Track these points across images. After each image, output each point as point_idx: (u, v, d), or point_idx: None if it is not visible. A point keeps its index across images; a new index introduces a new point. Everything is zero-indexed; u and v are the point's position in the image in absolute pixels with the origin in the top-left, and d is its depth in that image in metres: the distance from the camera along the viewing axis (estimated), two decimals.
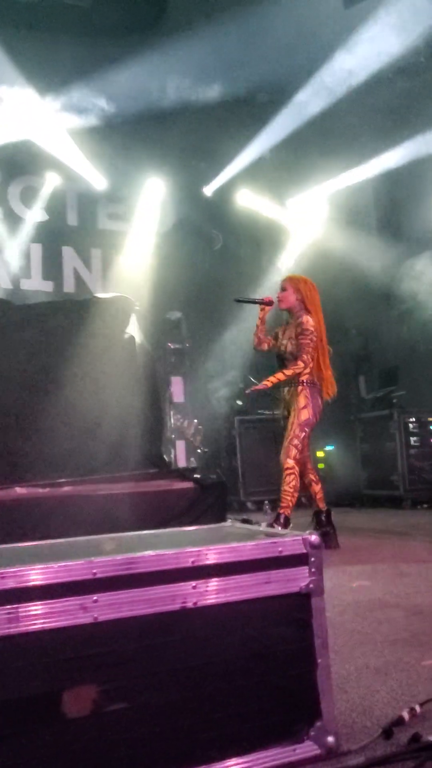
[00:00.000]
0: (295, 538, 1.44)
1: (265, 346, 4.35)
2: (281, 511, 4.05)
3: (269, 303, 4.28)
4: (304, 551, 1.44)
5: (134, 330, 5.52)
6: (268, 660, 1.38)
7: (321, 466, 7.37)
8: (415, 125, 6.77)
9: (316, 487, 4.28)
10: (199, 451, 6.33)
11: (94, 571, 1.25)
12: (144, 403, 5.33)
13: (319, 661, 1.41)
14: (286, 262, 7.88)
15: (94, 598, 1.25)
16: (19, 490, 4.39)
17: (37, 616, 1.21)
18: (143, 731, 1.26)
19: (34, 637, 1.20)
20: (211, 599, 1.34)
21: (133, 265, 7.45)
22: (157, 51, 6.40)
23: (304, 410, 4.11)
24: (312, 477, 4.29)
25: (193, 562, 1.32)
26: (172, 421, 6.17)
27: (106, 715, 1.23)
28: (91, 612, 1.24)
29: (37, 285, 7.09)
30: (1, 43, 6.35)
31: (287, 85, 6.61)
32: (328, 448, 7.39)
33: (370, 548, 4.27)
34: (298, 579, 1.42)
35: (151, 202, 7.84)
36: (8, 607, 1.19)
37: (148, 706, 1.27)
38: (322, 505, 4.29)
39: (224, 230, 7.98)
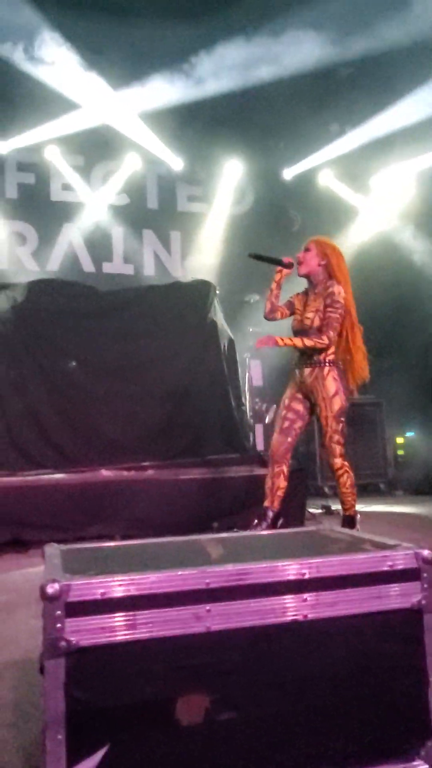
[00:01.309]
0: (407, 552, 1.40)
1: (279, 315, 3.71)
2: (347, 513, 3.66)
3: (289, 265, 3.64)
4: (416, 566, 1.39)
5: (215, 314, 5.53)
6: (377, 676, 1.35)
7: (401, 452, 7.20)
8: None
9: (283, 484, 3.68)
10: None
11: (208, 581, 1.26)
12: (225, 388, 5.35)
13: (431, 679, 1.37)
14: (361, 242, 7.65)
15: (207, 607, 1.25)
16: (105, 473, 4.52)
17: (153, 623, 1.22)
18: (251, 742, 1.26)
19: (150, 643, 1.22)
20: (321, 612, 1.31)
21: (212, 247, 7.42)
22: (239, 31, 6.27)
23: (336, 398, 3.53)
24: (285, 470, 3.68)
25: (304, 574, 1.30)
26: (251, 405, 6.15)
27: (217, 724, 1.24)
28: (204, 621, 1.25)
29: (118, 268, 7.19)
30: (82, 27, 6.38)
31: (379, 62, 6.31)
32: (409, 434, 7.19)
33: None
34: (410, 594, 1.38)
35: (229, 184, 7.77)
36: (125, 613, 1.21)
37: (257, 716, 1.27)
38: (277, 505, 3.68)
39: (303, 211, 7.81)
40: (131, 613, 1.21)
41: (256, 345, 3.61)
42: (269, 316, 3.74)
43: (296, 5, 5.91)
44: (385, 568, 1.37)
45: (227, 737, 1.25)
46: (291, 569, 1.30)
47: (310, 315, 3.60)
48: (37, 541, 4.00)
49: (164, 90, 6.60)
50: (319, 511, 5.31)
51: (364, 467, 6.88)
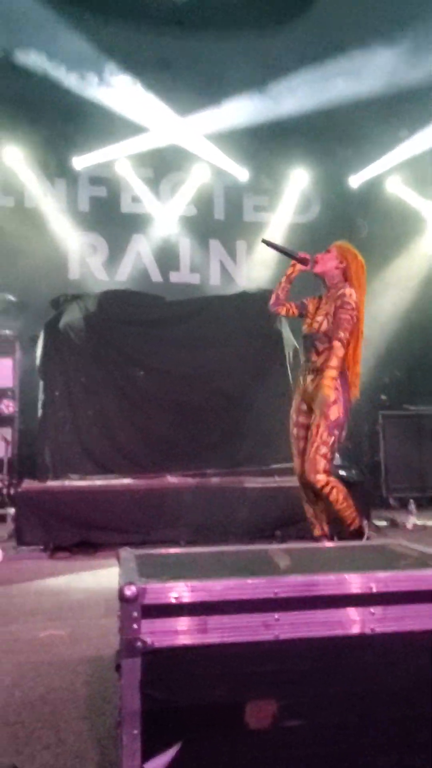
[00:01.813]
0: None
1: (284, 310, 3.47)
2: (351, 527, 3.24)
3: (303, 260, 3.39)
4: None
5: (281, 323, 5.56)
6: None
7: None
8: None
9: (323, 505, 3.34)
10: (342, 446, 6.25)
11: (276, 590, 1.30)
12: (290, 397, 5.36)
13: None
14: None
15: (276, 616, 1.29)
16: (170, 479, 4.62)
17: (223, 629, 1.27)
18: (316, 750, 1.29)
19: (220, 648, 1.27)
20: (389, 627, 1.33)
21: (277, 257, 7.44)
22: (304, 42, 6.30)
23: (333, 407, 3.17)
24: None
25: (373, 588, 1.32)
26: None
27: (283, 731, 1.28)
28: (273, 630, 1.29)
29: (185, 278, 7.33)
30: (154, 45, 6.58)
31: None
32: None
33: None
34: None
35: (295, 192, 7.78)
36: (198, 617, 1.27)
37: (322, 726, 1.30)
38: (327, 529, 3.37)
39: (371, 219, 7.73)
40: (203, 617, 1.27)
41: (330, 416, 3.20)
42: (273, 308, 3.51)
43: (371, 19, 5.89)
44: None
45: (293, 744, 1.28)
46: (359, 582, 1.33)
47: (319, 318, 3.36)
48: (105, 544, 4.15)
49: (233, 113, 6.73)
50: (384, 524, 5.24)
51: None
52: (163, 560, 1.61)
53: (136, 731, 1.21)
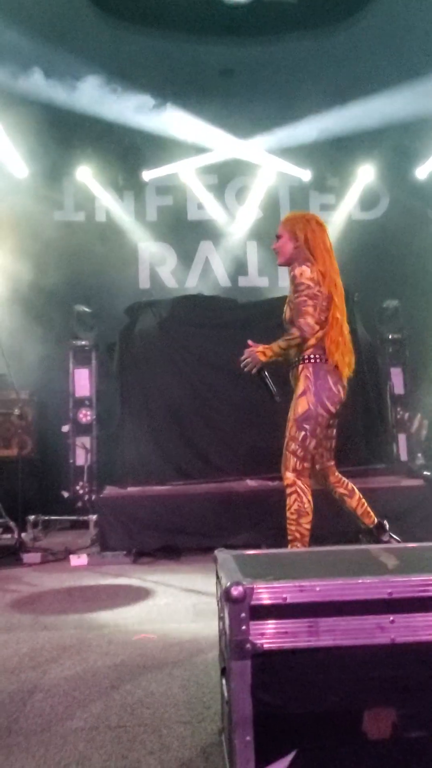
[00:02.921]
0: None
1: (317, 332, 2.97)
2: (290, 545, 2.94)
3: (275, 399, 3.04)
4: None
5: (354, 321, 5.42)
6: None
7: None
8: None
9: (353, 501, 3.13)
10: (424, 446, 6.03)
11: (390, 590, 1.22)
12: (368, 397, 5.22)
13: None
14: None
15: (391, 618, 1.22)
16: (250, 483, 4.57)
17: (335, 631, 1.21)
18: None
19: (333, 651, 1.21)
20: None
21: (347, 254, 7.29)
22: (362, 37, 6.16)
23: (301, 399, 2.91)
24: (342, 490, 3.15)
25: None
26: (393, 414, 5.94)
27: (405, 742, 1.20)
28: (388, 633, 1.22)
29: (253, 281, 7.28)
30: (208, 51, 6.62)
31: None
32: None
33: None
34: None
35: (361, 188, 7.61)
36: (307, 619, 1.21)
37: None
38: (369, 520, 3.13)
39: None
40: (313, 619, 1.21)
41: (244, 367, 3.05)
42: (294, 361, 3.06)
43: None
44: None
45: (416, 756, 1.20)
46: None
47: (285, 308, 3.09)
48: (187, 548, 4.15)
49: (298, 130, 6.71)
50: None
51: None
52: (264, 560, 1.56)
53: (249, 737, 1.17)
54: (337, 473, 3.20)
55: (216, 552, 1.63)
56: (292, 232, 3.08)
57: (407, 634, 1.21)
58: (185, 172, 7.13)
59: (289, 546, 2.94)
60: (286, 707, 1.20)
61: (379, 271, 6.98)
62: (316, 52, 6.47)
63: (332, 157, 7.43)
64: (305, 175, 7.40)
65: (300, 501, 2.93)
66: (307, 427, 2.92)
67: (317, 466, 3.11)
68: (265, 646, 1.19)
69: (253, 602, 1.20)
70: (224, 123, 6.90)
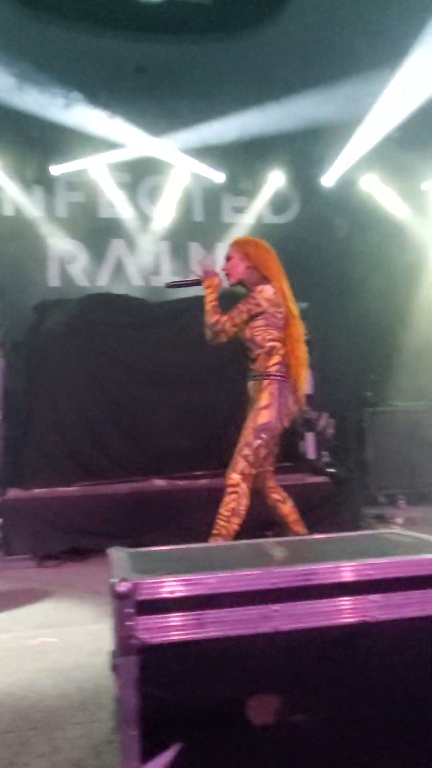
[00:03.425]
0: None
1: (224, 337, 3.18)
2: (211, 539, 3.07)
3: (197, 283, 3.24)
4: None
5: None
6: None
7: None
8: None
9: (285, 508, 3.25)
10: (330, 444, 6.24)
11: (273, 580, 1.26)
12: None
13: None
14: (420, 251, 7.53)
15: (275, 608, 1.25)
16: (158, 483, 4.57)
17: (221, 622, 1.23)
18: (324, 745, 1.25)
19: (218, 643, 1.23)
20: (390, 614, 1.30)
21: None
22: (275, 42, 6.32)
23: (264, 411, 3.06)
24: (276, 496, 3.27)
25: (371, 575, 1.30)
26: (302, 413, 6.11)
27: (289, 726, 1.24)
28: (272, 621, 1.25)
29: (166, 281, 7.28)
30: (123, 47, 6.57)
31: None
32: None
33: None
34: None
35: (272, 193, 7.80)
36: (195, 612, 1.23)
37: (329, 719, 1.26)
38: (299, 529, 3.24)
39: (349, 218, 7.76)
40: (199, 612, 1.23)
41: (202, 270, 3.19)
42: (212, 341, 3.22)
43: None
44: None
45: (300, 739, 1.24)
46: (357, 570, 1.30)
47: (244, 327, 3.19)
48: (94, 550, 4.09)
49: (209, 126, 6.77)
50: (371, 520, 5.24)
51: (419, 475, 6.75)
52: (157, 557, 1.57)
53: (134, 732, 1.17)
54: (273, 480, 3.32)
55: (111, 550, 1.62)
56: (243, 252, 3.22)
57: (290, 622, 1.26)
58: (97, 168, 7.03)
59: (211, 539, 3.04)
60: (172, 700, 1.21)
61: (289, 274, 7.13)
62: (230, 55, 6.56)
63: (245, 160, 7.57)
64: (219, 177, 7.49)
65: (238, 502, 3.05)
66: (264, 437, 3.07)
67: (258, 470, 3.20)
68: (152, 640, 1.20)
69: (140, 597, 1.21)
70: (138, 120, 6.87)
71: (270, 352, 3.12)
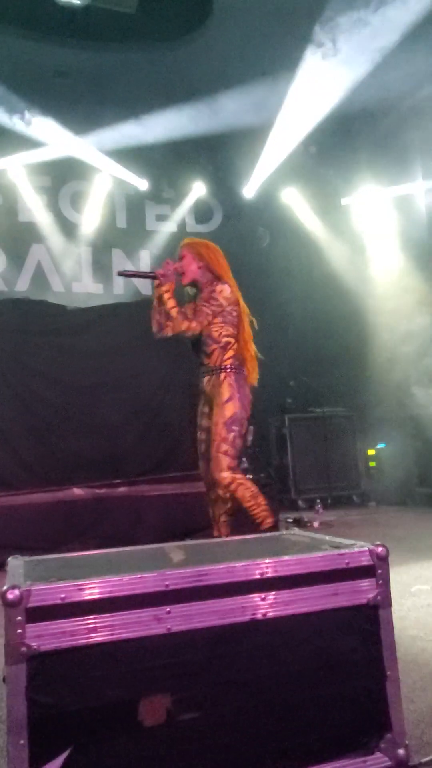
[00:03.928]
0: (362, 550, 1.45)
1: (169, 331, 3.28)
2: (263, 526, 3.18)
3: (155, 276, 3.31)
4: (371, 563, 1.44)
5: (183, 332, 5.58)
6: (336, 672, 1.38)
7: (372, 464, 7.30)
8: None
9: (224, 508, 3.36)
10: (250, 450, 6.35)
11: (167, 582, 1.29)
12: (193, 404, 5.39)
13: (388, 673, 1.41)
14: (337, 263, 7.80)
15: (167, 609, 1.28)
16: (77, 491, 4.51)
17: (114, 626, 1.25)
18: (214, 741, 1.29)
19: (111, 647, 1.24)
20: (279, 611, 1.35)
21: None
22: (198, 53, 6.42)
23: (228, 404, 3.19)
24: (221, 494, 3.33)
25: (262, 574, 1.34)
26: None
27: (180, 724, 1.27)
28: (165, 623, 1.28)
29: (88, 287, 7.22)
30: (43, 51, 6.49)
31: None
32: (380, 446, 7.30)
33: (427, 550, 4.20)
34: (365, 591, 1.42)
35: (196, 202, 7.89)
36: (87, 617, 1.23)
37: (220, 716, 1.30)
38: (225, 532, 3.37)
39: (271, 229, 7.96)
40: (92, 616, 1.24)
41: (162, 274, 3.24)
42: (158, 334, 3.33)
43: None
44: (342, 566, 1.42)
45: (190, 737, 1.27)
46: (249, 569, 1.34)
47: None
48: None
49: (133, 130, 6.77)
50: (290, 522, 5.36)
51: (337, 479, 6.97)
52: (54, 564, 1.56)
53: (22, 741, 1.16)
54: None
55: (9, 559, 1.60)
56: (196, 253, 3.38)
57: (182, 622, 1.29)
58: (15, 169, 6.89)
59: (262, 527, 3.15)
60: (63, 707, 1.21)
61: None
62: (155, 64, 6.62)
63: (168, 168, 7.63)
64: (142, 184, 7.50)
65: (247, 487, 3.19)
66: (235, 428, 3.19)
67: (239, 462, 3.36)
68: (42, 647, 1.20)
69: (30, 605, 1.20)
70: (59, 123, 6.78)
71: (225, 347, 3.28)
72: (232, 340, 3.30)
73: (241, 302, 3.39)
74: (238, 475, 3.21)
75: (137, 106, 6.78)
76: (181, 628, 1.28)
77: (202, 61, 6.40)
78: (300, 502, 6.83)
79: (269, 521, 3.21)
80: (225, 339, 3.29)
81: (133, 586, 1.27)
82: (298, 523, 5.42)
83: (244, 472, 5.43)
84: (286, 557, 1.38)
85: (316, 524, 5.47)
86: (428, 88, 6.92)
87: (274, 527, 3.23)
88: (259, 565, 1.34)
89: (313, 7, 5.80)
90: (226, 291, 3.28)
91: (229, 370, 3.26)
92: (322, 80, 6.19)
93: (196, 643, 1.29)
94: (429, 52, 6.09)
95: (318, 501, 6.51)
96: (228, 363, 3.27)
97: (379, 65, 6.02)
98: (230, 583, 1.32)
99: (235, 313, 3.31)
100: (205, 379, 3.34)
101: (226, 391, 3.22)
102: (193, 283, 3.41)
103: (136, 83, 6.69)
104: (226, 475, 3.16)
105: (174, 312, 3.24)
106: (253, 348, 3.38)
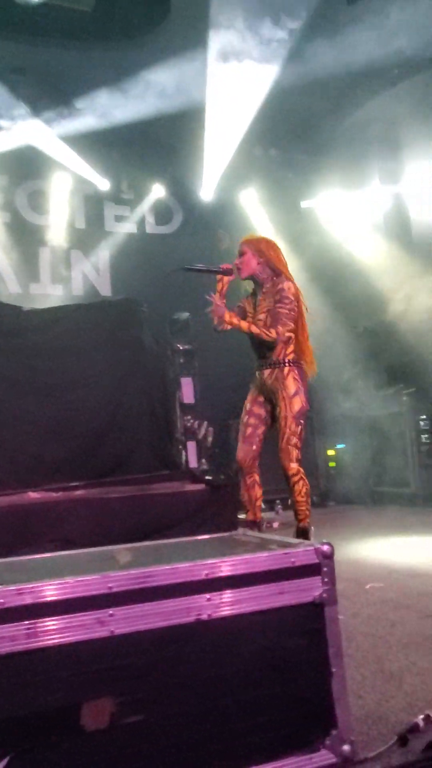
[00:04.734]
0: (308, 549, 1.46)
1: (228, 326, 3.43)
2: (300, 524, 3.42)
3: (227, 272, 3.45)
4: (317, 561, 1.45)
5: (143, 332, 5.55)
6: (282, 670, 1.39)
7: (332, 464, 7.38)
8: None
9: (259, 491, 3.58)
10: (210, 452, 6.35)
11: (110, 585, 1.27)
12: (154, 405, 5.37)
13: (334, 670, 1.42)
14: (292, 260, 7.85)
15: (110, 612, 1.26)
16: (33, 495, 4.43)
17: (54, 630, 1.22)
18: (160, 743, 1.27)
19: (52, 651, 1.22)
20: (225, 611, 1.35)
21: (140, 267, 7.46)
22: (150, 56, 6.42)
23: (296, 398, 3.36)
24: (257, 479, 3.57)
25: (206, 574, 1.34)
26: (183, 422, 6.18)
27: (123, 728, 1.25)
28: (108, 626, 1.26)
29: (46, 289, 7.12)
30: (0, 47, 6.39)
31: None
32: (339, 446, 7.38)
33: (382, 548, 4.27)
34: (311, 589, 1.43)
35: (155, 204, 7.87)
36: (26, 622, 1.21)
37: (165, 718, 1.29)
38: (260, 515, 3.60)
39: (230, 230, 7.98)
40: (32, 621, 1.21)
41: (212, 314, 3.38)
42: (219, 328, 3.46)
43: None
44: (287, 565, 1.43)
45: (134, 740, 1.25)
46: (194, 570, 1.34)
47: (261, 316, 3.45)
48: None
49: (89, 113, 6.69)
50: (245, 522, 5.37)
51: None
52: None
53: None
54: (257, 460, 3.63)
55: None
56: (256, 249, 3.50)
57: (126, 625, 1.27)
58: None
59: (303, 523, 3.40)
60: (3, 713, 1.18)
61: (171, 284, 7.23)
62: (113, 61, 6.58)
63: (128, 169, 7.59)
64: (103, 184, 7.44)
65: (306, 484, 3.40)
66: (302, 421, 3.39)
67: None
68: None
69: None
70: (17, 120, 6.67)
71: (288, 341, 3.44)
72: (293, 335, 3.44)
73: (301, 297, 3.51)
74: (303, 470, 3.38)
75: (95, 104, 6.72)
76: (124, 630, 1.27)
77: (160, 59, 6.39)
78: (261, 503, 6.84)
79: (306, 521, 3.42)
80: (288, 334, 3.42)
81: (75, 589, 1.25)
82: (258, 524, 5.43)
83: (203, 472, 5.45)
84: (231, 557, 1.38)
85: (275, 525, 5.50)
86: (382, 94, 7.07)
87: (308, 530, 3.43)
88: (205, 566, 1.34)
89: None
90: (292, 288, 3.43)
91: (293, 364, 3.43)
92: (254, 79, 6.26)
93: (141, 645, 1.28)
94: None
95: (278, 502, 6.55)
96: (291, 357, 3.43)
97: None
98: (175, 584, 1.31)
99: (296, 309, 3.45)
100: (267, 371, 3.47)
101: (292, 385, 3.38)
102: (252, 278, 3.54)
103: (95, 81, 6.64)
104: (295, 466, 3.34)
105: (254, 329, 3.36)
106: (308, 342, 3.54)
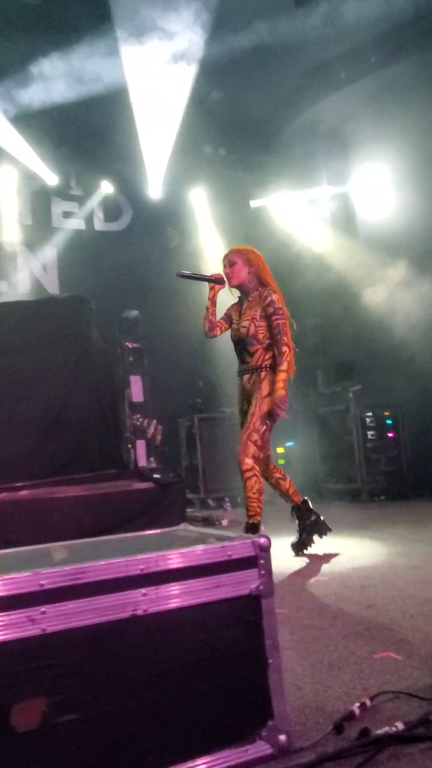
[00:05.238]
0: (245, 542, 1.46)
1: (218, 331, 3.74)
2: (250, 520, 3.51)
3: (219, 280, 3.70)
4: (254, 554, 1.46)
5: (90, 329, 5.49)
6: (219, 663, 1.39)
7: (281, 462, 7.45)
8: None
9: (285, 484, 3.79)
10: (159, 450, 6.32)
11: (42, 582, 1.25)
12: (102, 404, 5.31)
13: (270, 661, 1.43)
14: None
15: (42, 609, 1.24)
16: None
17: None
18: (93, 742, 1.26)
19: None
20: (161, 606, 1.34)
21: (89, 264, 7.37)
22: (102, 45, 6.35)
23: (267, 400, 3.52)
24: (277, 475, 3.79)
25: (142, 569, 1.33)
26: (132, 420, 6.14)
27: (57, 727, 1.23)
28: (40, 624, 1.24)
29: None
30: None
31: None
32: (288, 444, 7.46)
33: (328, 542, 4.32)
34: (248, 582, 1.44)
35: (104, 201, 7.78)
36: None
37: (99, 716, 1.27)
38: (298, 499, 3.81)
39: (180, 229, 7.98)
40: None
41: (283, 416, 3.53)
42: (209, 334, 3.75)
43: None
44: (224, 558, 1.43)
45: (67, 740, 1.23)
46: (129, 565, 1.32)
47: (245, 323, 3.64)
48: None
49: (38, 122, 6.60)
50: (200, 522, 5.38)
51: None
52: None
53: None
54: (271, 462, 3.82)
55: None
56: (246, 259, 3.70)
57: (59, 623, 1.25)
58: None
59: (252, 520, 3.50)
60: None
61: (121, 282, 7.19)
62: (61, 53, 6.47)
63: (76, 165, 7.47)
64: (51, 179, 7.30)
65: (259, 482, 3.52)
66: (268, 422, 3.53)
67: (265, 453, 3.66)
68: None
69: None
70: None
71: (267, 348, 3.61)
72: (272, 342, 3.60)
73: (284, 306, 3.69)
74: (257, 467, 3.50)
75: (44, 96, 6.60)
76: (57, 628, 1.24)
77: (106, 53, 6.33)
78: (210, 501, 6.87)
79: (256, 518, 3.52)
80: (268, 340, 3.60)
81: (5, 586, 1.22)
82: (207, 521, 5.45)
83: (152, 471, 5.42)
84: (167, 551, 1.37)
85: (224, 522, 5.52)
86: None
87: (258, 525, 3.53)
88: (139, 560, 1.33)
89: None
90: (279, 298, 3.63)
91: (269, 369, 3.58)
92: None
93: (74, 643, 1.26)
94: None
95: (227, 500, 6.58)
96: (268, 362, 3.59)
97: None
98: (109, 579, 1.29)
99: (286, 316, 3.63)
100: (246, 377, 3.67)
101: (265, 388, 3.54)
102: (239, 287, 3.74)
103: (44, 73, 6.52)
104: (249, 462, 3.48)
105: (283, 368, 3.52)
106: (293, 346, 3.66)
